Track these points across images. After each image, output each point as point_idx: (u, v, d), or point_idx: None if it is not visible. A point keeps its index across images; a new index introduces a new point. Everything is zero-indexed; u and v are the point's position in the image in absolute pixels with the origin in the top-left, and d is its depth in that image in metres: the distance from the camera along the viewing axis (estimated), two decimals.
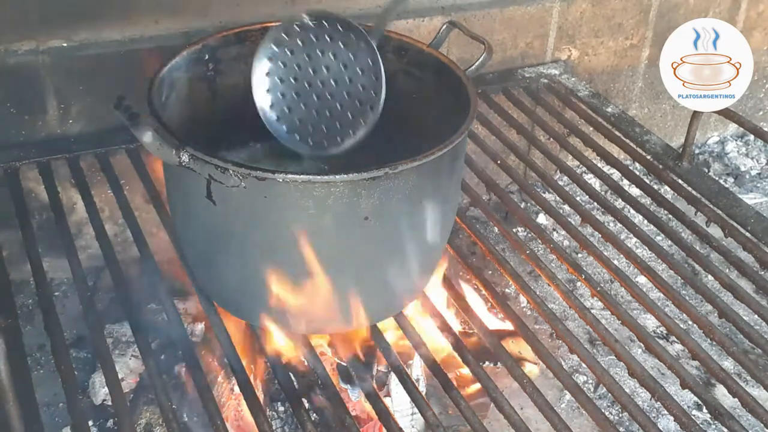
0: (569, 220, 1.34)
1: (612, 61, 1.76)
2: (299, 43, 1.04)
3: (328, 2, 1.41)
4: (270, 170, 0.87)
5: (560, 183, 1.54)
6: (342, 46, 1.03)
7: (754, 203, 1.63)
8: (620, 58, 1.77)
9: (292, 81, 1.06)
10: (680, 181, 1.40)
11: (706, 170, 1.91)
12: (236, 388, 1.08)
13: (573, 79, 1.64)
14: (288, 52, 1.05)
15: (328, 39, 1.03)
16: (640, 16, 1.73)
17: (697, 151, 1.99)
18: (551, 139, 1.54)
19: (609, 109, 1.56)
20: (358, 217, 0.91)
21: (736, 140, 2.04)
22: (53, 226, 1.22)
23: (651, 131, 1.51)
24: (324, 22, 1.03)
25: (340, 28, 1.03)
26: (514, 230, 1.55)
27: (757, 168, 1.98)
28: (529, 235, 1.57)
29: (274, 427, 1.11)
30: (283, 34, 1.04)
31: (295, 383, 1.04)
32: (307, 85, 1.06)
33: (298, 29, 1.04)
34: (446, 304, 1.22)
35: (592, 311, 1.17)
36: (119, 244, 1.38)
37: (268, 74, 1.06)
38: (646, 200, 1.43)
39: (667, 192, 1.51)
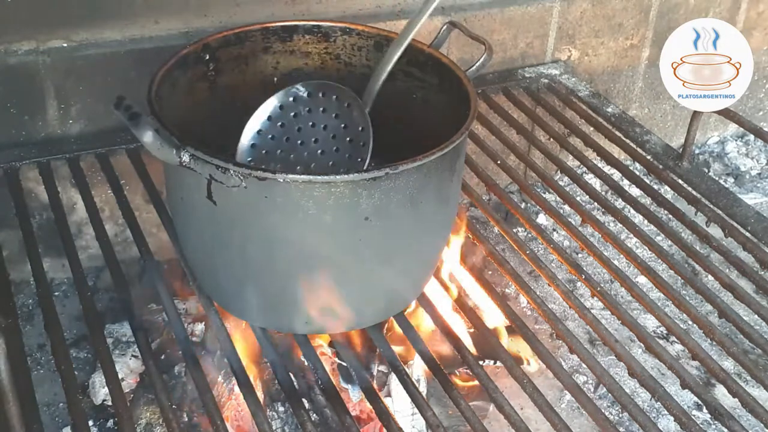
0: (569, 220, 1.34)
1: (612, 61, 1.76)
2: (293, 111, 1.10)
3: (328, 2, 1.41)
4: (270, 170, 0.87)
5: (560, 183, 1.54)
6: (335, 106, 1.09)
7: (754, 203, 1.62)
8: (620, 58, 1.77)
9: (284, 141, 1.11)
10: (680, 181, 1.40)
11: (706, 170, 1.91)
12: (236, 388, 1.08)
13: (573, 79, 1.64)
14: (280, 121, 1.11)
15: (322, 106, 1.10)
16: (640, 16, 1.73)
17: (697, 151, 1.98)
18: (551, 139, 1.54)
19: (609, 109, 1.56)
20: (358, 217, 0.91)
21: (736, 140, 2.04)
22: (53, 226, 1.22)
23: (651, 131, 1.51)
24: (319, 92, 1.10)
25: (334, 97, 1.09)
26: (514, 230, 1.55)
27: (757, 168, 1.98)
28: (529, 235, 1.57)
29: (274, 427, 1.11)
30: (278, 106, 1.10)
31: (295, 383, 1.03)
32: (297, 142, 1.11)
33: (292, 100, 1.10)
34: (446, 302, 1.22)
35: (592, 311, 1.17)
36: (119, 244, 1.38)
37: (258, 132, 1.10)
38: (647, 200, 1.43)
39: (667, 192, 1.51)
